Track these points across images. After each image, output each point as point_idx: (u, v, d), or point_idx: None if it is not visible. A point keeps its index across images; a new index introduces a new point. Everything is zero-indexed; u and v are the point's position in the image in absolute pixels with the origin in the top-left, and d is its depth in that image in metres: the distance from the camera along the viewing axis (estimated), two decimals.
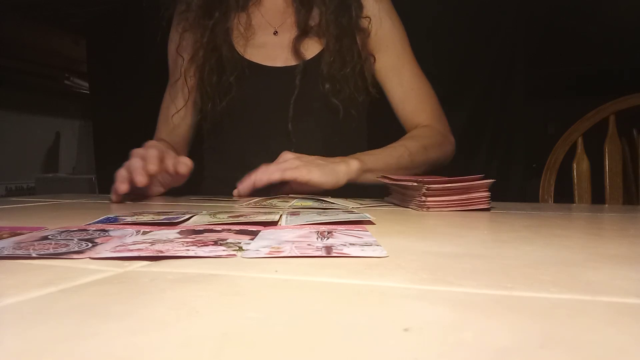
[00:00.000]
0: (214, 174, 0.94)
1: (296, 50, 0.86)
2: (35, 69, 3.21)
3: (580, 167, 1.00)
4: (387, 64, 0.91)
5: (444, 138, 0.90)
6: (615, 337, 0.15)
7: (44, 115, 3.62)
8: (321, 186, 0.69)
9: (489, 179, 0.55)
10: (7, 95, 3.18)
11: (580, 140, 1.00)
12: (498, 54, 1.62)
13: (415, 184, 0.57)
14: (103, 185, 2.21)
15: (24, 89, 3.30)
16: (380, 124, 0.96)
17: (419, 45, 0.97)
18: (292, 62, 0.87)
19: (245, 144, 0.89)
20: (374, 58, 0.90)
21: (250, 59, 0.87)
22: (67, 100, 3.67)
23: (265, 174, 0.69)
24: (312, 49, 0.87)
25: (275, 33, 0.90)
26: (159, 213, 0.48)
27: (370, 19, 0.88)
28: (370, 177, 0.75)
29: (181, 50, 0.89)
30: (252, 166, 0.72)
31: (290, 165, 0.69)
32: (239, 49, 0.88)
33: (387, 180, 0.66)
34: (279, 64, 0.87)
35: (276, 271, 0.24)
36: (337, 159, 0.74)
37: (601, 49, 2.25)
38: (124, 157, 0.93)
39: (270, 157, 0.79)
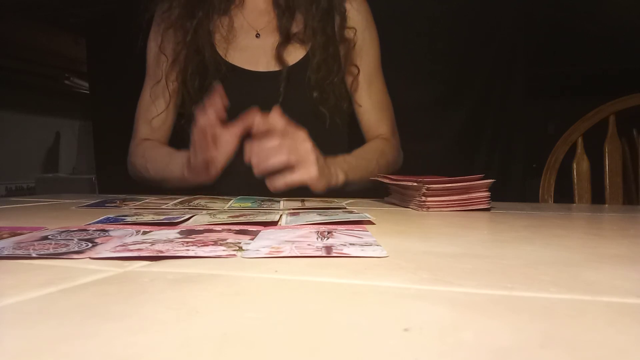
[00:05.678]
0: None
1: (279, 57, 0.86)
2: (35, 69, 3.21)
3: (580, 167, 1.00)
4: (360, 74, 0.92)
5: (398, 151, 0.96)
6: (615, 337, 0.15)
7: (44, 115, 3.62)
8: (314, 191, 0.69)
9: (489, 179, 0.55)
10: (7, 95, 3.17)
11: (580, 140, 1.00)
12: (498, 54, 1.62)
13: (415, 184, 0.57)
14: (103, 185, 2.21)
15: (24, 89, 3.30)
16: (359, 133, 0.98)
17: (419, 45, 0.97)
18: (274, 67, 0.87)
19: None
20: (358, 69, 0.91)
21: (232, 62, 0.87)
22: (67, 100, 3.66)
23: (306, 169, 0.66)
24: (294, 54, 0.87)
25: (258, 36, 0.89)
26: (159, 213, 0.48)
27: (355, 30, 0.89)
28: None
29: (163, 49, 0.88)
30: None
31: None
32: (221, 51, 0.87)
33: (387, 180, 0.66)
34: (261, 68, 0.87)
35: (276, 271, 0.24)
36: (331, 165, 0.73)
37: (601, 49, 2.25)
38: (124, 156, 0.93)
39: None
